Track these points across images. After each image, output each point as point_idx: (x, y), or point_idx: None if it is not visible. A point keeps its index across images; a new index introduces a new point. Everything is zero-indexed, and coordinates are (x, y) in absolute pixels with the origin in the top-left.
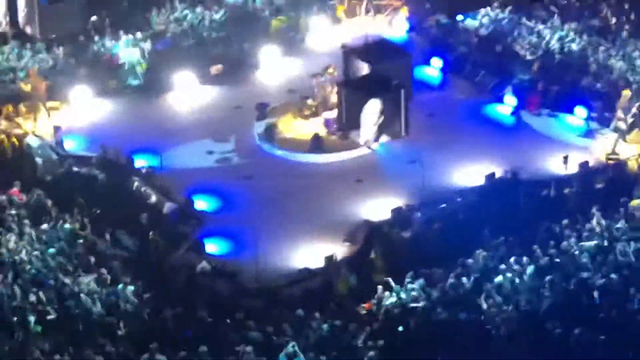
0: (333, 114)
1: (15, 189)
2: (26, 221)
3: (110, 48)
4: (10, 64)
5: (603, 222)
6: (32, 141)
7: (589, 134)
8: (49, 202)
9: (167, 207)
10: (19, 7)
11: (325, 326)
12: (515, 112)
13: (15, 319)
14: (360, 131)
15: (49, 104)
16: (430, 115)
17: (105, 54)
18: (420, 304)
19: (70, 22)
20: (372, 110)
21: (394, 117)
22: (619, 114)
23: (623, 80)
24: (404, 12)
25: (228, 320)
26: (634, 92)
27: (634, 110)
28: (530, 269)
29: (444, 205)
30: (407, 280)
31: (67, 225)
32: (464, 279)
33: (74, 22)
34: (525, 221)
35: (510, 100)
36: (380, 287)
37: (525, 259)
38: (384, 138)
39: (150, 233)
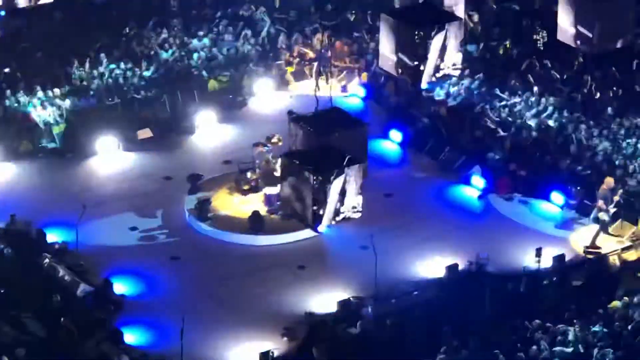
0: (276, 189)
1: None
2: None
3: (23, 105)
4: None
5: (578, 325)
6: None
7: (565, 223)
8: None
9: (82, 289)
10: None
11: None
12: (483, 195)
13: None
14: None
15: None
16: (387, 196)
17: (18, 112)
18: None
19: None
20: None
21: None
22: (600, 203)
23: (607, 162)
24: (364, 77)
25: None
26: (619, 177)
27: (616, 198)
28: None
29: (397, 299)
30: None
31: None
32: None
33: None
34: (490, 321)
35: (477, 182)
36: None
37: None
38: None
39: (62, 319)
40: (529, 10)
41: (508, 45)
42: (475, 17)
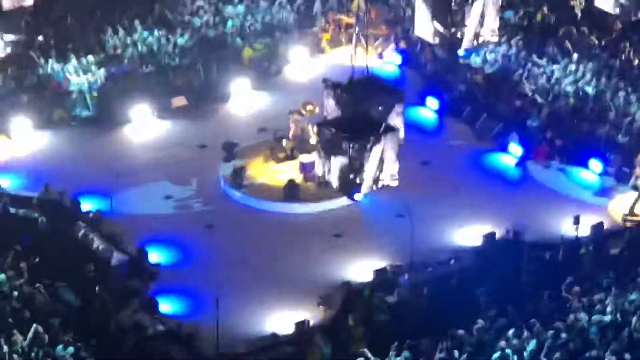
0: (311, 157)
1: None
2: None
3: (57, 72)
4: None
5: (616, 293)
6: None
7: (604, 191)
8: None
9: (116, 258)
10: None
11: None
12: (521, 163)
13: None
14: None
15: None
16: (424, 164)
17: (52, 80)
18: None
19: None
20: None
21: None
22: (639, 170)
23: None
24: (402, 44)
25: None
26: None
27: None
28: (531, 345)
29: (434, 267)
30: (391, 352)
31: (1, 275)
32: (456, 353)
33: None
34: (527, 289)
35: (515, 150)
36: (358, 359)
37: (526, 332)
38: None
39: (96, 287)
40: None
41: (545, 12)
42: None
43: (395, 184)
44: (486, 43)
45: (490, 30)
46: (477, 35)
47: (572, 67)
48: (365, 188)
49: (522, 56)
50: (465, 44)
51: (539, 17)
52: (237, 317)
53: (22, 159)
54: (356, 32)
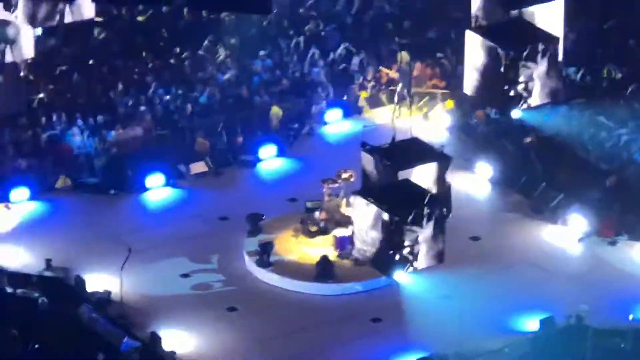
0: (347, 231)
1: None
2: None
3: (60, 135)
4: None
5: None
6: None
7: None
8: None
9: (126, 344)
10: None
11: None
12: (584, 238)
13: None
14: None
15: None
16: (474, 239)
17: (55, 143)
18: None
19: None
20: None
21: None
22: None
23: None
24: (449, 105)
25: None
26: None
27: None
28: None
29: (485, 356)
30: None
31: None
32: None
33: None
34: None
35: (577, 223)
36: None
37: None
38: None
39: None
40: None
41: (612, 69)
42: (573, 36)
43: (441, 262)
44: (546, 103)
45: (551, 89)
46: (535, 95)
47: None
48: (407, 266)
49: (586, 118)
50: (519, 104)
51: (605, 73)
52: None
53: (21, 231)
54: (399, 89)
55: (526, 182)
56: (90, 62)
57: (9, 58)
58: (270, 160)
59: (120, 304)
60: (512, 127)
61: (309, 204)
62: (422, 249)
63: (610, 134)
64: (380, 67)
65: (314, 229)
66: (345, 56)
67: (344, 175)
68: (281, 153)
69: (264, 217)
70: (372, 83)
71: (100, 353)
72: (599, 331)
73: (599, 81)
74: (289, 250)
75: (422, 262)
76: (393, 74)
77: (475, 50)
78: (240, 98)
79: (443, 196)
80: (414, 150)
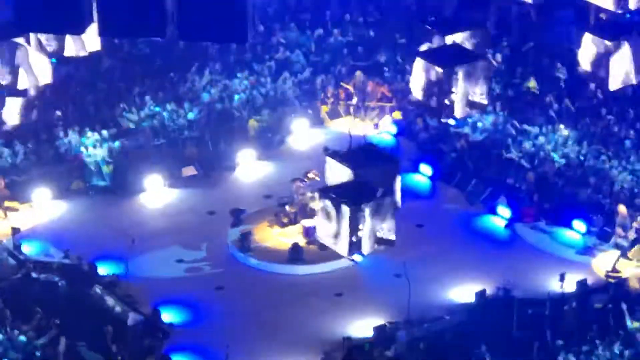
0: (313, 222)
1: None
2: None
3: (75, 146)
4: None
5: (601, 345)
6: None
7: (587, 250)
8: (4, 311)
9: (132, 318)
10: None
11: None
12: (509, 224)
13: None
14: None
15: (7, 203)
16: (419, 226)
17: (69, 152)
18: None
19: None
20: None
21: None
22: (619, 230)
23: (626, 192)
24: (397, 115)
25: None
26: (638, 205)
27: (635, 225)
28: None
29: (430, 323)
30: None
31: (22, 337)
32: None
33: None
34: (517, 343)
35: (503, 212)
36: None
37: None
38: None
39: (113, 346)
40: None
41: (531, 84)
42: (499, 57)
43: (392, 237)
44: (475, 109)
45: (480, 96)
46: (466, 103)
47: (557, 133)
48: (364, 249)
49: (510, 124)
50: (453, 113)
51: (531, 84)
52: None
53: (43, 227)
54: (354, 103)
55: (461, 179)
56: (99, 85)
57: (28, 83)
58: (248, 165)
59: (126, 285)
60: (448, 133)
61: (281, 200)
62: (376, 235)
63: (529, 136)
64: (341, 82)
65: (286, 220)
66: (309, 77)
67: (310, 175)
68: (258, 158)
69: (245, 211)
70: (331, 99)
71: (110, 326)
72: (522, 300)
73: (519, 94)
74: (266, 238)
75: (375, 246)
76: (349, 90)
77: (419, 69)
78: (222, 113)
79: (393, 191)
80: (368, 154)
